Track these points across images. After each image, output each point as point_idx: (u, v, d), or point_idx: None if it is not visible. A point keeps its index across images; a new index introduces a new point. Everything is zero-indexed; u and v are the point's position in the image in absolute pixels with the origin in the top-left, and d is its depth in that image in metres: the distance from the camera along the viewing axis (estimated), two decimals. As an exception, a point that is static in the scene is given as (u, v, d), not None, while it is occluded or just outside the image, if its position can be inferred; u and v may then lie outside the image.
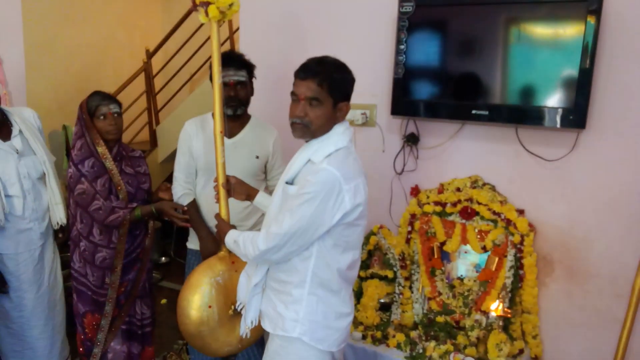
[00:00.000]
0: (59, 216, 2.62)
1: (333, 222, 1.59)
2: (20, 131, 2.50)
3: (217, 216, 1.94)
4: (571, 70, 2.19)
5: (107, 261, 2.31)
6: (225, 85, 2.24)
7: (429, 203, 2.62)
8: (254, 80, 2.40)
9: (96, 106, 2.28)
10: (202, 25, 5.22)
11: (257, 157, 2.39)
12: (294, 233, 1.58)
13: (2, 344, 2.68)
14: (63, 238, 2.77)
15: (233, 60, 2.29)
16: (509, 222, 2.43)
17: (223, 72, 2.25)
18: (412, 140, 2.65)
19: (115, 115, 2.31)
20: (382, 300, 2.61)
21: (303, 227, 1.57)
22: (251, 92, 2.38)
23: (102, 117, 2.28)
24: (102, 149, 2.30)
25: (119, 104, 2.36)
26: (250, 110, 2.45)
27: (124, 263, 2.35)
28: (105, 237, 2.29)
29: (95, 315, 2.36)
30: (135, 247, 2.40)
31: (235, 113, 2.31)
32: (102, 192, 2.26)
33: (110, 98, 2.34)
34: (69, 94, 5.08)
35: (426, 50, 2.52)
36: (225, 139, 2.36)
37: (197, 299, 1.78)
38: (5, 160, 2.43)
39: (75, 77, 5.43)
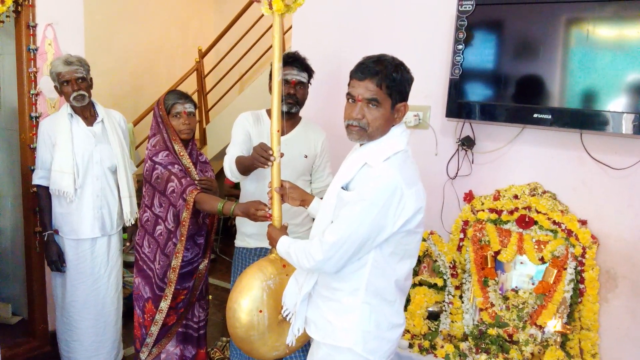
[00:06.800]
0: (125, 210, 2.70)
1: (395, 229, 1.52)
2: (102, 121, 2.69)
3: (269, 225, 1.88)
4: (644, 73, 2.06)
5: (172, 248, 2.30)
6: (286, 82, 2.27)
7: (483, 210, 2.52)
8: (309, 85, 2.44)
9: (172, 104, 2.30)
10: (252, 26, 5.29)
11: (306, 157, 2.39)
12: (353, 241, 1.51)
13: (58, 331, 2.78)
14: (130, 246, 2.83)
15: (298, 61, 2.33)
16: (570, 232, 2.31)
17: (286, 70, 2.27)
18: (467, 143, 2.55)
19: (190, 115, 2.33)
20: (430, 309, 2.53)
21: (362, 235, 1.51)
22: (307, 95, 2.41)
23: (177, 116, 2.30)
24: (178, 146, 2.31)
25: (194, 104, 2.38)
26: (302, 110, 2.44)
27: (183, 272, 2.33)
28: (176, 225, 2.28)
29: (154, 308, 2.37)
30: (195, 255, 2.39)
31: (290, 110, 2.34)
32: (178, 173, 2.21)
33: (187, 97, 2.35)
34: (124, 91, 5.25)
35: (485, 50, 2.43)
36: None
37: (248, 303, 1.74)
38: (83, 142, 2.61)
39: (131, 75, 5.61)
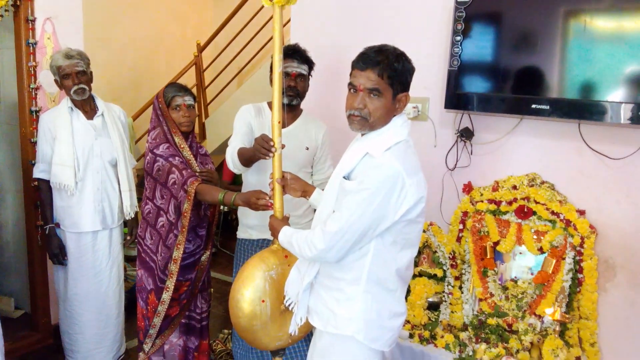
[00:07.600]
0: (126, 203, 2.71)
1: (396, 218, 1.54)
2: (103, 114, 2.70)
3: (271, 216, 1.88)
4: (641, 64, 2.07)
5: (173, 240, 2.31)
6: (286, 75, 2.29)
7: (482, 201, 2.53)
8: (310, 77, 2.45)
9: (172, 97, 2.31)
10: (251, 19, 5.28)
11: (307, 149, 2.40)
12: (354, 230, 1.52)
13: (61, 324, 2.80)
14: (131, 240, 2.84)
15: (298, 52, 2.34)
16: (568, 222, 2.32)
17: (286, 62, 2.28)
18: (466, 135, 2.56)
19: (190, 107, 2.33)
20: (430, 299, 2.54)
21: (364, 224, 1.52)
22: (307, 87, 2.42)
23: (176, 108, 2.30)
24: (179, 138, 2.32)
25: (194, 97, 2.38)
26: (302, 102, 2.45)
27: (185, 264, 2.34)
28: (177, 217, 2.28)
29: (156, 299, 2.37)
30: (196, 246, 2.40)
31: (291, 103, 2.35)
32: (179, 165, 2.22)
33: (186, 90, 2.36)
34: (123, 85, 5.24)
35: (483, 42, 2.44)
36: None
37: (251, 293, 1.75)
38: (84, 135, 2.62)
39: (129, 70, 5.60)
